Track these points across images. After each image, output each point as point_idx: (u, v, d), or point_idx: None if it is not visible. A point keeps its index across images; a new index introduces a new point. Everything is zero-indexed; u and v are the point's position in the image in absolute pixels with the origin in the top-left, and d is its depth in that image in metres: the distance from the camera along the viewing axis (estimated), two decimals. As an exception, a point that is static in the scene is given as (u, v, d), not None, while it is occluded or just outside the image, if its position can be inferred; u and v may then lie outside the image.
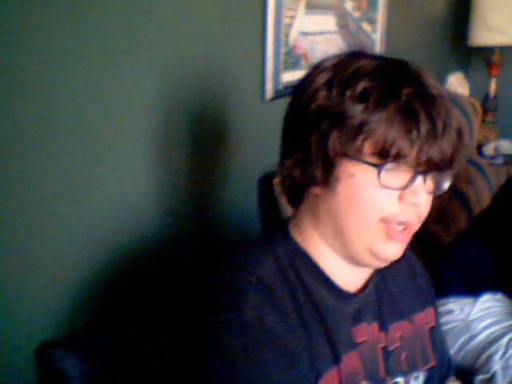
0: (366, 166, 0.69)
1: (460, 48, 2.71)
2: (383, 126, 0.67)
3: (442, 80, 2.54)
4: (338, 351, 0.73)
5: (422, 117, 0.67)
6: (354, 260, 0.76)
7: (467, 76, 2.77)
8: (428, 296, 0.91)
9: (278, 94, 1.42)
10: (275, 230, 0.80)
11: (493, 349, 1.08)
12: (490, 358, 1.07)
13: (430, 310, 0.89)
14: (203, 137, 1.24)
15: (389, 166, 0.68)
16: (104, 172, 1.00)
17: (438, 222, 1.76)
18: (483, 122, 2.54)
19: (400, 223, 0.71)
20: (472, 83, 2.75)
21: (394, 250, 0.73)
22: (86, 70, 0.94)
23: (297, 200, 0.79)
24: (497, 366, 1.06)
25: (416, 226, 0.74)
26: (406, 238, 0.74)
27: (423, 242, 1.39)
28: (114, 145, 1.01)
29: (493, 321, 1.13)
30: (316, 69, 0.74)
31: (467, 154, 0.76)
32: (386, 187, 0.69)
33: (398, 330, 0.83)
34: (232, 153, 1.31)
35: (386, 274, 0.84)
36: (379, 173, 0.68)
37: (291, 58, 1.46)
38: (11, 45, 0.82)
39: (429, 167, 0.70)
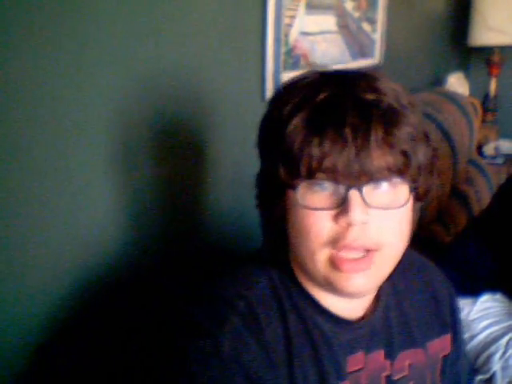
0: (292, 190, 0.62)
1: (460, 48, 2.71)
2: (290, 141, 0.61)
3: (442, 80, 2.54)
4: (327, 381, 0.68)
5: (327, 123, 0.59)
6: (330, 292, 0.69)
7: (467, 76, 2.77)
8: (448, 320, 0.83)
9: (278, 94, 1.41)
10: (277, 247, 0.72)
11: (492, 349, 1.08)
12: (489, 358, 1.07)
13: (446, 337, 0.82)
14: (202, 137, 1.24)
15: (305, 184, 0.61)
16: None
17: (438, 221, 1.76)
18: (483, 121, 2.54)
19: (348, 247, 0.62)
20: (472, 83, 2.75)
21: (352, 281, 0.63)
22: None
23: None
24: (496, 366, 1.06)
25: (383, 251, 0.63)
26: (364, 266, 0.62)
27: (423, 241, 1.39)
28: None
29: (492, 321, 1.13)
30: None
31: (430, 162, 0.66)
32: (315, 210, 0.61)
33: (408, 358, 0.76)
34: (232, 153, 1.31)
35: (402, 295, 0.79)
36: (301, 194, 0.62)
37: (291, 58, 1.46)
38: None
39: (356, 179, 0.59)
